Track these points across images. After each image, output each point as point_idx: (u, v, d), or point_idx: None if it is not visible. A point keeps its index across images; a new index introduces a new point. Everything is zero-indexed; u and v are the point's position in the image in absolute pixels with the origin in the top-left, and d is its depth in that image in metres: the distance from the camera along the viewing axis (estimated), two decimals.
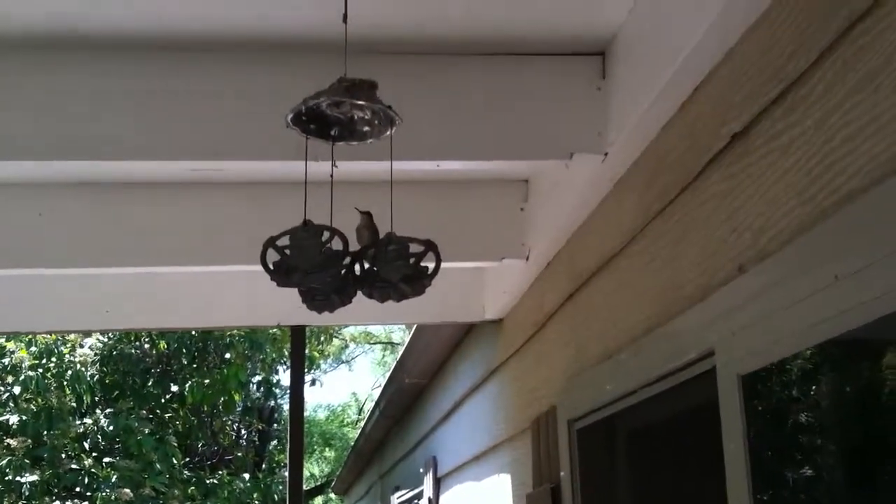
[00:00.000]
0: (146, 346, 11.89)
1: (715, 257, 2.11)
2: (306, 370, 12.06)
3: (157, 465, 10.57)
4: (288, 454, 4.42)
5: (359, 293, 1.88)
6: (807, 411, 1.88)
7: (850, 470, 1.75)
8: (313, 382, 16.99)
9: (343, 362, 23.86)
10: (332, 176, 1.89)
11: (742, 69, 2.01)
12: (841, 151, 1.64)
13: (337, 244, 1.84)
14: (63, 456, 10.34)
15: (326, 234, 1.80)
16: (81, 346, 11.06)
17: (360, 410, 23.73)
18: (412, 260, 1.83)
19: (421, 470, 6.75)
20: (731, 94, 2.05)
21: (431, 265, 1.92)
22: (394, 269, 1.81)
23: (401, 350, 6.96)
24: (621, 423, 2.90)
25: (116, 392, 11.56)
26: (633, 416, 2.77)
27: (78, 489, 10.24)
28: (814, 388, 1.86)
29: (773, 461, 1.93)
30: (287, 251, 1.80)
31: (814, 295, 1.67)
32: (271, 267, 1.82)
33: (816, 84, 1.73)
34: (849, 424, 1.76)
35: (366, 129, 1.92)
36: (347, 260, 1.86)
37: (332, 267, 1.79)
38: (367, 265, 1.87)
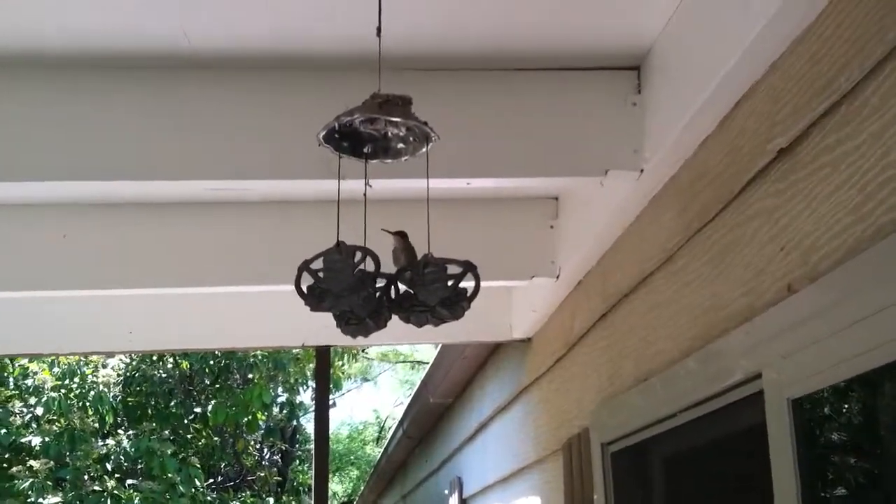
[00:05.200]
0: (169, 366, 11.87)
1: (761, 277, 2.04)
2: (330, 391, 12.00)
3: (181, 487, 10.52)
4: (313, 478, 4.36)
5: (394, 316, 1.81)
6: (863, 438, 1.80)
7: None
8: (333, 404, 16.94)
9: (366, 380, 23.79)
10: (365, 195, 1.82)
11: (789, 82, 1.94)
12: None
13: (369, 265, 1.77)
14: (86, 477, 10.32)
15: (359, 255, 1.73)
16: (104, 367, 11.05)
17: (382, 428, 23.64)
18: (450, 282, 1.76)
19: (446, 491, 6.67)
20: (776, 108, 1.98)
21: (469, 284, 1.85)
22: (431, 292, 1.74)
23: (426, 368, 6.90)
24: (659, 446, 2.82)
25: (139, 413, 11.54)
26: (671, 440, 2.69)
27: None
28: (870, 413, 1.78)
29: (827, 490, 1.85)
30: (320, 274, 1.73)
31: (871, 317, 1.59)
32: (305, 291, 1.75)
33: (871, 96, 1.66)
34: None
35: (400, 146, 1.85)
36: (382, 282, 1.79)
37: (364, 289, 1.72)
38: (403, 288, 1.80)
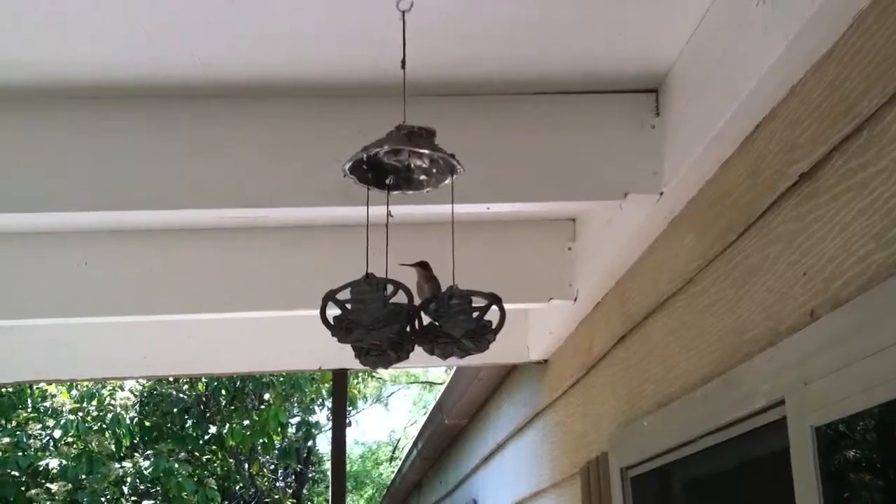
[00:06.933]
0: (185, 387, 11.87)
1: (783, 302, 2.03)
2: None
3: None
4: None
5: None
6: (889, 466, 1.78)
7: None
8: (349, 423, 16.92)
9: (378, 400, 23.75)
10: (387, 226, 1.82)
11: (809, 106, 1.93)
12: None
13: (400, 297, 1.77)
14: (103, 500, 10.31)
15: (390, 288, 1.73)
16: (122, 389, 11.06)
17: (396, 448, 23.58)
18: (475, 314, 1.76)
19: None
20: (797, 132, 1.98)
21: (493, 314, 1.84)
22: (456, 324, 1.74)
23: (440, 390, 6.88)
24: (679, 471, 2.80)
25: (155, 434, 11.54)
26: (692, 466, 2.67)
27: None
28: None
29: None
30: (348, 305, 1.73)
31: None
32: (331, 322, 1.74)
33: (893, 122, 1.65)
34: None
35: (423, 177, 1.85)
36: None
37: (396, 322, 1.72)
38: (427, 319, 1.80)
